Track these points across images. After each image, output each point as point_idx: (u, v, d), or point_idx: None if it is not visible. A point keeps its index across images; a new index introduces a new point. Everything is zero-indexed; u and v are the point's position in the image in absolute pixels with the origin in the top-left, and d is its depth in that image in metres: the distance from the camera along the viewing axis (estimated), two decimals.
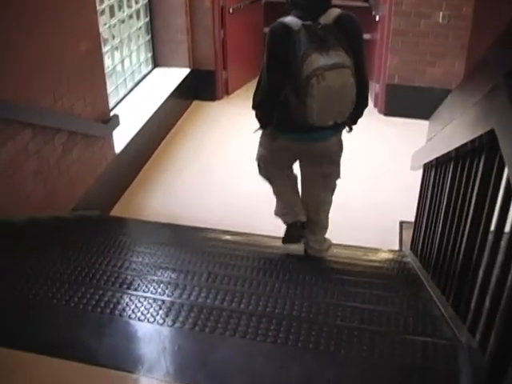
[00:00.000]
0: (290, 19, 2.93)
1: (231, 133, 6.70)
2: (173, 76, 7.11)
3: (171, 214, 5.32)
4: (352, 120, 3.26)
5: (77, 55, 4.44)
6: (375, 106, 7.49)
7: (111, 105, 5.65)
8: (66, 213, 4.44)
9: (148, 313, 2.12)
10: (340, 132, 3.33)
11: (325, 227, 3.78)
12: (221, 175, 6.06)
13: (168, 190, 5.82)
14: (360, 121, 6.80)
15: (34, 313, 2.19)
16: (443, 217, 3.05)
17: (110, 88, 5.61)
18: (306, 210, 3.65)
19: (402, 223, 5.29)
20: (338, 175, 3.59)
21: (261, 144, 3.49)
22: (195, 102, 7.61)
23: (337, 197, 5.51)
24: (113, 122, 5.11)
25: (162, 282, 2.55)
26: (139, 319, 2.09)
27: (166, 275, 2.78)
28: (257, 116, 3.28)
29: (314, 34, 2.81)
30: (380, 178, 6.08)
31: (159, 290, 2.46)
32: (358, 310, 2.50)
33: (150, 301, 2.20)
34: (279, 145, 3.31)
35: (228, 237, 4.51)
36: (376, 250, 4.69)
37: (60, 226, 3.88)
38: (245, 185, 5.64)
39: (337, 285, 3.02)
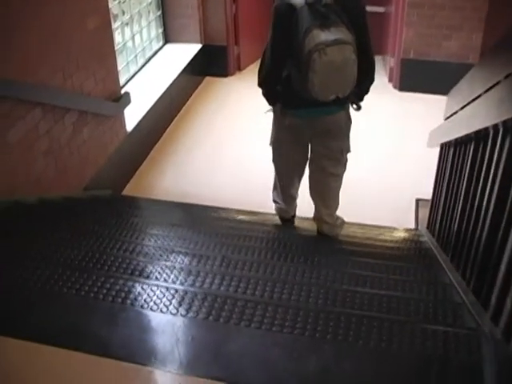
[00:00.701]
0: None
1: (243, 109, 6.61)
2: (184, 52, 7.02)
3: (183, 193, 5.26)
4: (358, 97, 3.30)
5: (86, 32, 4.35)
6: (390, 80, 7.38)
7: (122, 82, 5.57)
8: (78, 193, 4.39)
9: (161, 302, 2.05)
10: (348, 107, 3.34)
11: (337, 201, 3.77)
12: (233, 153, 5.99)
13: (179, 168, 5.76)
14: (374, 96, 6.71)
15: (44, 301, 2.13)
16: (463, 196, 2.96)
17: (120, 65, 5.54)
18: (315, 190, 3.69)
19: (418, 201, 5.20)
20: (348, 149, 3.60)
21: (273, 125, 3.54)
22: (207, 79, 7.52)
23: (351, 175, 5.45)
24: (124, 100, 5.03)
25: (174, 267, 2.49)
26: (152, 309, 2.03)
27: (178, 260, 2.71)
28: (263, 93, 3.35)
29: (317, 11, 2.84)
30: (395, 154, 5.98)
31: (172, 276, 2.40)
32: (377, 296, 2.43)
33: (163, 289, 2.13)
34: (289, 123, 3.35)
35: (241, 216, 4.44)
36: (392, 229, 4.61)
37: (71, 207, 3.83)
38: (257, 162, 5.56)
39: (354, 268, 2.95)
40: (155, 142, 6.05)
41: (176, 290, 2.14)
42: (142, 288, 2.13)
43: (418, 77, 6.97)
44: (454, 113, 3.60)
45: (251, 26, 7.53)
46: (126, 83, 5.95)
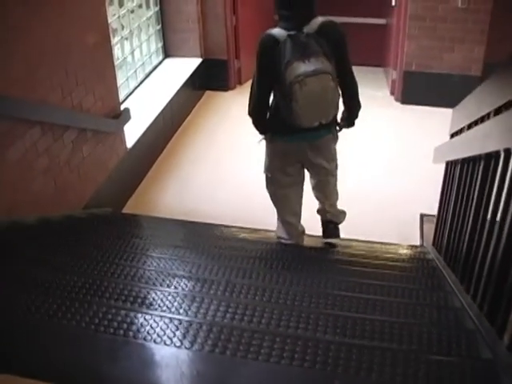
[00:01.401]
0: (276, 31, 3.16)
1: (245, 123, 6.46)
2: (184, 66, 6.96)
3: (184, 209, 5.19)
4: (348, 123, 3.59)
5: (85, 48, 4.29)
6: (392, 93, 7.32)
7: (121, 97, 5.51)
8: (78, 211, 4.32)
9: (164, 334, 1.96)
10: (334, 130, 3.56)
11: (336, 194, 4.05)
12: (235, 168, 5.92)
13: (181, 184, 5.69)
14: (376, 109, 6.74)
15: (42, 334, 2.05)
16: (473, 215, 2.86)
17: (120, 80, 5.48)
18: (317, 189, 3.94)
19: (422, 216, 5.12)
20: (336, 166, 3.83)
21: (266, 154, 3.68)
22: (207, 93, 7.45)
23: (354, 188, 5.41)
24: (124, 116, 4.96)
25: (177, 294, 2.40)
26: (155, 341, 1.93)
27: (181, 285, 2.63)
28: (253, 123, 3.51)
29: (298, 42, 3.03)
30: (398, 168, 5.91)
31: (175, 304, 2.31)
32: (387, 323, 2.34)
33: (166, 320, 2.04)
34: (279, 149, 3.54)
35: (244, 235, 4.37)
36: (397, 246, 4.52)
37: (70, 228, 3.74)
38: (260, 177, 5.47)
39: (361, 292, 2.86)
40: (156, 157, 5.98)
41: (180, 321, 2.05)
42: (145, 319, 2.05)
43: (420, 89, 6.91)
44: (461, 129, 3.52)
45: (252, 39, 7.41)
46: (126, 98, 5.89)
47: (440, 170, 4.23)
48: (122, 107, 5.12)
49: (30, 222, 3.58)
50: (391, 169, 5.88)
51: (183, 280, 2.70)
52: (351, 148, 6.22)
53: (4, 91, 3.30)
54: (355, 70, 7.80)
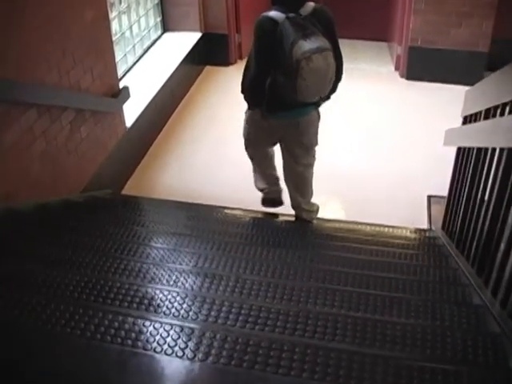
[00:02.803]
0: (273, 13, 3.30)
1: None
2: (184, 41, 6.76)
3: (185, 189, 5.06)
4: (328, 96, 3.62)
5: (82, 25, 4.11)
6: (396, 69, 7.15)
7: (120, 74, 5.34)
8: (76, 195, 4.18)
9: (176, 345, 1.82)
10: (318, 106, 3.74)
11: (311, 189, 4.17)
12: (237, 145, 5.67)
13: (181, 163, 5.54)
14: (380, 85, 6.57)
15: (44, 345, 1.89)
16: (494, 204, 2.72)
17: (118, 56, 5.29)
18: (290, 180, 4.08)
19: (429, 197, 4.98)
20: (316, 143, 3.91)
21: (247, 122, 3.92)
22: (207, 68, 7.27)
23: (357, 168, 5.26)
24: (123, 95, 4.80)
25: (186, 295, 2.25)
26: (166, 353, 1.80)
27: (189, 282, 2.49)
28: (245, 99, 3.67)
29: (297, 23, 3.22)
30: (403, 147, 5.77)
31: (184, 306, 2.17)
32: (409, 327, 2.22)
33: (177, 329, 1.89)
34: (268, 124, 3.71)
35: (248, 218, 4.26)
36: (403, 230, 4.39)
37: (69, 216, 3.59)
38: None
39: (383, 290, 2.74)
40: (155, 136, 5.83)
41: (192, 330, 1.90)
42: (154, 327, 1.90)
43: (426, 65, 6.74)
44: (477, 114, 3.36)
45: (253, 14, 7.22)
46: (124, 75, 5.72)
47: (448, 149, 4.09)
48: (121, 84, 4.95)
49: (25, 210, 3.44)
50: (396, 148, 5.73)
51: (190, 276, 2.55)
52: (355, 125, 6.09)
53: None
54: (359, 44, 7.71)
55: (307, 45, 3.17)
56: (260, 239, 3.52)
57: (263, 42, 3.36)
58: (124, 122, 4.96)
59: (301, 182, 4.07)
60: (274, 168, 4.26)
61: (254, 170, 4.30)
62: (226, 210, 4.51)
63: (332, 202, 5.01)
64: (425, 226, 4.64)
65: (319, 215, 4.52)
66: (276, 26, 3.24)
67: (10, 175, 3.40)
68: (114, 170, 4.84)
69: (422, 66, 6.74)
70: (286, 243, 3.49)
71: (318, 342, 2.00)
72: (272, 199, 4.34)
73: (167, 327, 1.91)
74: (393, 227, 4.41)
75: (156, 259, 2.86)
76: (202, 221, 3.96)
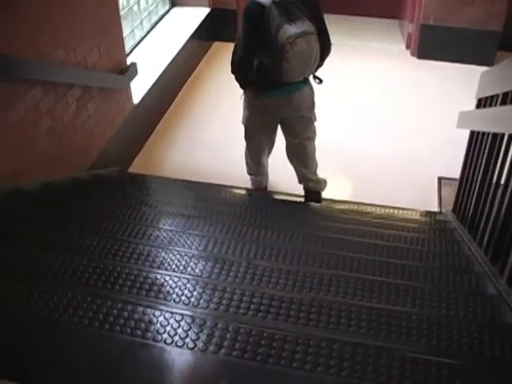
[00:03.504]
0: None
1: None
2: (192, 16, 6.64)
3: (193, 168, 5.00)
4: (315, 71, 3.80)
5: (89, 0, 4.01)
6: (407, 47, 7.03)
7: (127, 49, 5.24)
8: (83, 173, 4.12)
9: (187, 336, 1.76)
10: (310, 82, 3.89)
11: (315, 162, 4.34)
12: None
13: (190, 140, 5.46)
14: (390, 63, 6.52)
15: (50, 335, 1.84)
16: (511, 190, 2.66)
17: (125, 32, 5.18)
18: (293, 157, 4.28)
19: (440, 179, 4.91)
20: (315, 118, 4.10)
21: (245, 108, 4.03)
22: (216, 44, 7.16)
23: (366, 149, 5.19)
24: (130, 71, 4.70)
25: (196, 282, 2.19)
26: (177, 344, 1.74)
27: (199, 268, 2.43)
28: (236, 79, 3.85)
29: (283, 8, 3.39)
30: (413, 127, 5.67)
31: (195, 294, 2.11)
32: (424, 316, 2.17)
33: (188, 320, 1.83)
34: (262, 103, 3.86)
35: (257, 199, 4.20)
36: (413, 212, 4.32)
37: (75, 196, 3.53)
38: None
39: (396, 277, 2.67)
40: (163, 113, 5.75)
41: (204, 321, 1.84)
42: (165, 317, 1.84)
43: (437, 44, 6.62)
44: (493, 97, 3.27)
45: None
46: (132, 51, 5.62)
47: (460, 130, 4.01)
48: (128, 60, 4.86)
49: (31, 189, 3.37)
50: (407, 128, 5.64)
51: (200, 261, 2.49)
52: (364, 104, 5.99)
53: (4, 50, 3.05)
54: (368, 21, 7.61)
55: (292, 29, 3.36)
56: (269, 221, 3.47)
57: (250, 26, 3.54)
58: (131, 99, 4.89)
59: (304, 157, 4.22)
60: (266, 161, 4.46)
61: (248, 160, 4.45)
62: (234, 190, 4.46)
63: (340, 183, 4.94)
64: (435, 208, 4.57)
65: (328, 196, 4.50)
66: (263, 10, 3.41)
67: (16, 154, 3.33)
68: (121, 147, 4.77)
69: (434, 44, 6.62)
70: (296, 226, 3.43)
71: (333, 336, 1.94)
72: (257, 188, 4.60)
73: (178, 317, 1.85)
74: (402, 209, 4.36)
75: (164, 242, 2.80)
76: (210, 201, 3.90)
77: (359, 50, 7.10)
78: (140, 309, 1.89)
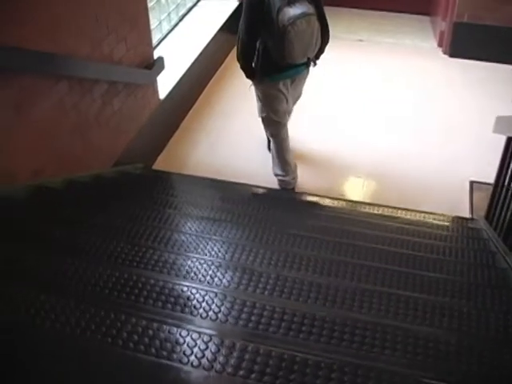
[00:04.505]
0: None
1: None
2: (220, 9, 6.51)
3: (217, 165, 4.90)
4: (317, 56, 3.98)
5: None
6: (439, 45, 6.86)
7: (154, 42, 5.12)
8: (107, 170, 4.03)
9: (215, 359, 1.65)
10: (309, 65, 4.03)
11: None
12: None
13: (216, 136, 5.35)
14: (422, 61, 6.37)
15: (52, 348, 1.75)
16: None
17: (152, 24, 5.07)
18: None
19: (472, 183, 4.76)
20: None
21: (258, 99, 4.24)
22: None
23: (394, 150, 5.06)
24: (157, 66, 4.61)
25: (224, 297, 2.08)
26: (204, 367, 1.65)
27: (226, 279, 2.31)
28: (242, 67, 3.98)
29: None
30: (445, 128, 5.51)
31: (223, 309, 1.98)
32: (465, 350, 2.05)
33: (217, 341, 1.71)
34: (270, 87, 4.04)
35: (283, 200, 4.09)
36: (443, 217, 4.18)
37: (98, 195, 3.44)
38: (297, 132, 5.17)
39: (430, 293, 2.55)
40: (189, 109, 5.64)
41: (233, 343, 1.71)
42: (192, 338, 1.73)
43: (471, 42, 6.44)
44: None
45: None
46: (159, 44, 5.51)
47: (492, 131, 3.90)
48: (155, 54, 4.76)
49: (54, 186, 3.30)
50: (437, 129, 5.49)
51: (228, 272, 2.39)
52: (394, 103, 5.85)
53: (27, 45, 2.95)
54: (399, 17, 7.52)
55: (292, 11, 3.54)
56: (296, 226, 3.35)
57: (253, 11, 3.68)
58: (157, 94, 4.79)
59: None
60: (291, 153, 4.48)
61: (273, 154, 4.48)
62: (260, 190, 4.36)
63: (368, 183, 4.81)
64: (465, 213, 4.43)
65: (357, 198, 4.54)
66: None
67: (40, 150, 3.26)
68: (146, 143, 4.68)
69: (468, 43, 6.45)
70: (323, 232, 3.30)
71: (367, 362, 1.83)
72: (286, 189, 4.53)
73: (206, 338, 1.74)
74: (431, 213, 4.22)
75: (190, 248, 2.70)
76: (236, 203, 3.79)
77: (390, 46, 6.94)
78: (166, 327, 1.79)
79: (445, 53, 6.75)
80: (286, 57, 3.70)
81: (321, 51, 3.97)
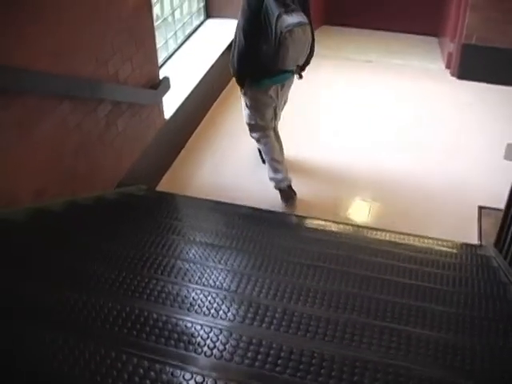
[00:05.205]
0: None
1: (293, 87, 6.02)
2: (227, 28, 6.41)
3: (223, 186, 4.86)
4: (302, 68, 4.19)
5: (123, 11, 3.86)
6: (447, 67, 6.80)
7: (160, 61, 5.08)
8: (110, 191, 3.97)
9: None
10: (295, 72, 4.19)
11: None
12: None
13: (219, 157, 5.29)
14: (429, 83, 6.40)
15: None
16: None
17: (158, 43, 5.03)
18: None
19: (481, 208, 4.68)
20: None
21: (246, 106, 4.39)
22: None
23: (401, 173, 4.98)
24: (163, 86, 4.55)
25: (230, 334, 1.99)
26: None
27: (231, 313, 2.23)
28: (236, 74, 4.20)
29: (279, 1, 3.76)
30: (452, 151, 5.44)
31: (227, 347, 1.87)
32: None
33: (210, 382, 1.62)
34: (261, 93, 4.22)
35: (291, 226, 4.01)
36: (450, 244, 4.10)
37: (101, 220, 3.37)
38: (306, 154, 5.11)
39: (432, 328, 2.47)
40: (193, 129, 5.58)
41: None
42: (196, 381, 1.66)
43: (479, 65, 6.39)
44: None
45: None
46: (165, 63, 5.47)
47: (501, 155, 3.83)
48: (161, 72, 4.71)
49: (55, 210, 3.23)
50: (445, 152, 5.42)
51: (233, 305, 2.30)
52: (401, 125, 5.79)
53: (31, 65, 2.91)
54: (406, 38, 7.56)
55: (290, 19, 3.72)
56: (303, 255, 3.26)
57: (251, 18, 3.83)
58: (163, 115, 4.73)
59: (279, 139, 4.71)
60: (281, 155, 4.62)
61: (266, 159, 4.63)
62: (265, 214, 4.28)
63: (374, 206, 4.75)
64: (473, 239, 4.34)
65: (363, 221, 4.49)
66: (261, 2, 3.75)
67: (42, 170, 3.21)
68: (151, 163, 4.61)
69: (476, 65, 6.39)
70: (330, 260, 3.22)
71: None
72: (288, 192, 4.60)
73: (210, 382, 1.67)
74: (438, 240, 4.13)
75: (194, 278, 2.62)
76: (241, 228, 3.70)
77: (397, 67, 6.89)
78: (169, 369, 1.71)
79: (453, 75, 6.70)
80: (279, 62, 3.90)
81: (307, 62, 4.19)
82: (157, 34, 4.63)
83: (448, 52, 6.72)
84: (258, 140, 4.56)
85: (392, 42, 7.41)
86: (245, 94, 4.30)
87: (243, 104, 4.43)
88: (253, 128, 4.49)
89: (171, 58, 5.65)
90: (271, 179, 4.58)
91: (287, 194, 4.58)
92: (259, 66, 3.99)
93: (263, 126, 4.42)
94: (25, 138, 3.01)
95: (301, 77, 4.19)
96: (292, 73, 4.14)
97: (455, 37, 6.48)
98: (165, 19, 5.46)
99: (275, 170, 4.54)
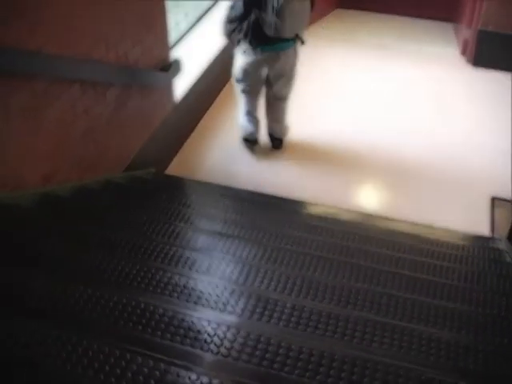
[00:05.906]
0: None
1: (305, 71, 5.87)
2: None
3: (233, 170, 4.82)
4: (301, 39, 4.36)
5: None
6: (463, 53, 6.71)
7: (171, 43, 4.99)
8: (118, 175, 3.92)
9: None
10: (296, 44, 4.37)
11: (286, 115, 4.94)
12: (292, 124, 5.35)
13: (230, 141, 5.22)
14: (443, 69, 6.30)
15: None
16: None
17: (170, 24, 4.94)
18: (270, 113, 4.91)
19: (494, 199, 4.61)
20: (295, 74, 4.63)
21: (237, 60, 4.54)
22: None
23: (413, 162, 4.91)
24: (174, 68, 4.48)
25: (238, 331, 1.93)
26: None
27: (240, 308, 2.18)
28: (225, 31, 4.37)
29: None
30: (467, 140, 5.37)
31: (235, 345, 1.83)
32: None
33: (216, 382, 1.61)
34: (254, 56, 4.34)
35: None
36: (462, 236, 4.04)
37: (108, 205, 3.32)
38: (321, 139, 5.04)
39: (442, 327, 2.42)
40: (204, 111, 5.53)
41: None
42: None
43: (496, 52, 6.29)
44: None
45: None
46: (176, 44, 5.38)
47: None
48: (172, 57, 4.63)
49: (62, 195, 3.18)
50: (459, 141, 5.34)
51: (241, 299, 2.24)
52: (415, 113, 5.70)
53: (39, 48, 2.84)
54: (421, 23, 7.47)
55: None
56: (313, 245, 3.20)
57: None
58: (173, 98, 4.67)
59: (280, 116, 4.89)
60: (256, 109, 4.86)
61: (243, 111, 4.88)
62: (274, 200, 4.24)
63: (385, 194, 4.69)
64: (485, 231, 4.28)
65: (374, 210, 4.44)
66: None
67: (50, 155, 3.16)
68: (160, 147, 4.56)
69: (492, 52, 6.30)
70: (342, 251, 3.17)
71: None
72: (250, 140, 4.99)
73: (216, 382, 1.62)
74: (450, 231, 4.08)
75: (202, 268, 2.57)
76: (250, 216, 3.66)
77: (411, 54, 6.79)
78: (174, 369, 1.66)
79: (468, 61, 6.60)
80: (277, 30, 4.07)
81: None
82: (168, 15, 4.54)
83: (464, 38, 6.62)
84: (238, 94, 4.82)
85: (406, 27, 7.30)
86: (238, 51, 4.48)
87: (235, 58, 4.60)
88: (236, 80, 4.70)
89: (182, 39, 5.56)
90: (241, 126, 4.97)
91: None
92: (257, 32, 4.14)
93: (243, 80, 4.63)
94: (34, 122, 2.95)
95: (303, 42, 4.36)
96: (292, 41, 4.28)
97: (471, 23, 6.38)
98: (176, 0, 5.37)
99: (249, 121, 4.88)
